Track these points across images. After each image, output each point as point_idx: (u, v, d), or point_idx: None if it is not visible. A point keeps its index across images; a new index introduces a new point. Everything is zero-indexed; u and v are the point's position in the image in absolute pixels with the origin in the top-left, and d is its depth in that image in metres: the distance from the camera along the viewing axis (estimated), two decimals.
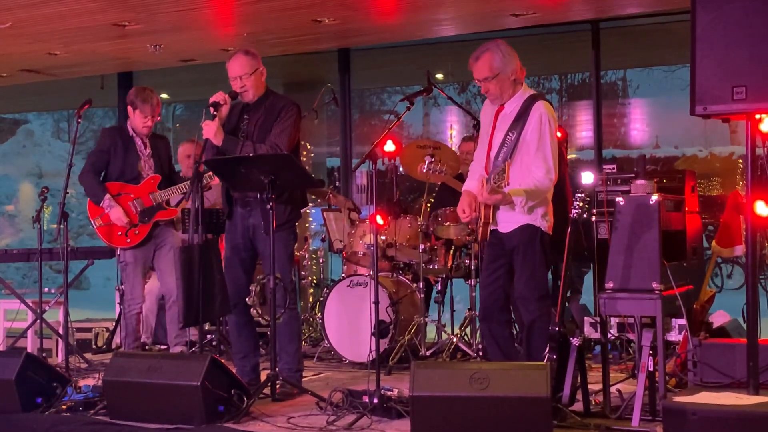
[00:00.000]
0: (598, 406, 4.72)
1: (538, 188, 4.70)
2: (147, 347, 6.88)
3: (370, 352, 5.59)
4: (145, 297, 6.57)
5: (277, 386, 5.19)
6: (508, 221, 4.80)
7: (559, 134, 6.32)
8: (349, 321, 6.53)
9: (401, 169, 7.43)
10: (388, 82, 15.45)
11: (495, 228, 4.83)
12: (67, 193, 6.24)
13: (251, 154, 5.22)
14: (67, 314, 6.51)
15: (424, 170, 6.51)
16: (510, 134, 4.76)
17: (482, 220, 4.77)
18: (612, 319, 4.88)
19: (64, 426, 4.67)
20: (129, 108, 6.37)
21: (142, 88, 6.43)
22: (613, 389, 4.84)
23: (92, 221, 6.35)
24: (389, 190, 7.60)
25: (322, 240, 8.27)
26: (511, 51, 4.81)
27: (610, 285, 4.72)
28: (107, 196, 6.26)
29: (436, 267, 6.72)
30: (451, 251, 6.78)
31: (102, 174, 6.38)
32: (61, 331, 6.74)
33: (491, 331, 4.91)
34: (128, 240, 6.32)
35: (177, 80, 11.28)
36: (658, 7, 8.02)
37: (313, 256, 8.74)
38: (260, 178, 5.05)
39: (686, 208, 5.99)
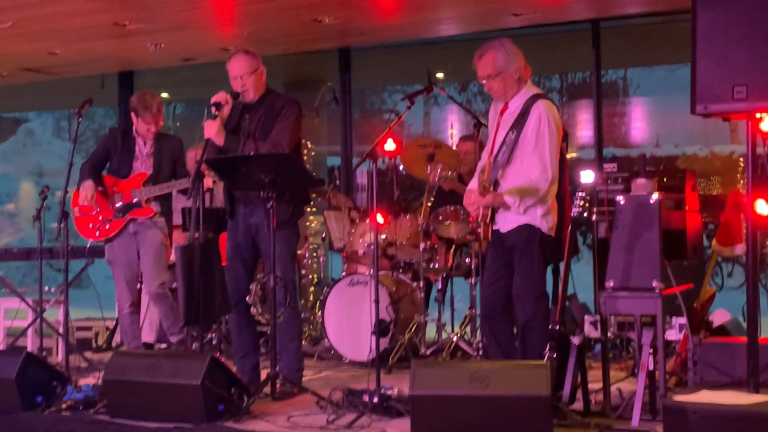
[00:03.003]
0: (598, 405, 4.72)
1: (532, 188, 4.68)
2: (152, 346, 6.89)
3: (371, 351, 5.58)
4: (132, 296, 6.41)
5: (278, 385, 5.19)
6: (506, 221, 4.80)
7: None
8: (350, 320, 6.53)
9: (402, 168, 7.42)
10: (388, 82, 15.43)
11: (496, 228, 4.84)
12: (68, 192, 6.23)
13: (253, 153, 5.23)
14: (67, 313, 6.50)
15: (436, 179, 6.51)
16: (510, 133, 4.75)
17: (481, 219, 4.78)
18: (612, 317, 4.87)
19: (64, 425, 4.68)
20: (132, 114, 6.29)
21: (143, 93, 6.33)
22: (613, 388, 4.84)
23: (72, 211, 6.32)
24: (389, 189, 7.60)
25: (323, 239, 8.27)
26: (515, 49, 4.80)
27: (610, 284, 4.72)
28: (86, 179, 6.20)
29: (436, 266, 6.71)
30: (452, 250, 6.77)
31: (101, 170, 6.36)
32: (61, 330, 6.73)
33: (492, 330, 4.92)
34: (98, 234, 6.29)
35: (177, 79, 11.25)
36: (659, 6, 8.01)
37: (314, 254, 8.74)
38: (261, 177, 5.05)
39: (687, 207, 6.01)
